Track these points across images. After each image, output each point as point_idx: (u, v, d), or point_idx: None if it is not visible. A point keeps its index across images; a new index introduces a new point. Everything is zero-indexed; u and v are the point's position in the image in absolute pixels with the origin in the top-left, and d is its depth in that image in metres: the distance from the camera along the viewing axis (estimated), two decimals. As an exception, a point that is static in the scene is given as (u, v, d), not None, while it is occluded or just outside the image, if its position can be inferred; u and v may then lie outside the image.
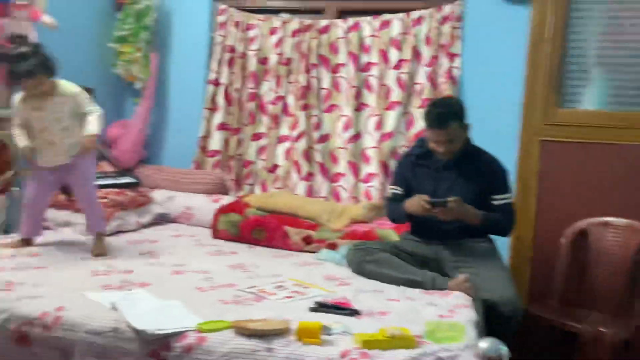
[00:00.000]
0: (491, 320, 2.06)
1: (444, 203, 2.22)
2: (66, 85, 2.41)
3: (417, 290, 2.13)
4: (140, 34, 3.44)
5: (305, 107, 3.37)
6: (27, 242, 2.47)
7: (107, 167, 3.29)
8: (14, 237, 2.52)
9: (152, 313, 1.63)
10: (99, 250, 2.44)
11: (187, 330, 1.52)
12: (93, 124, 2.40)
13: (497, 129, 3.03)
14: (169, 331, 1.51)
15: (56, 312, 1.62)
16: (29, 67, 2.21)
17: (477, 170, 2.36)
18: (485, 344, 1.58)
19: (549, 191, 3.00)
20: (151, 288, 1.93)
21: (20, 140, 2.36)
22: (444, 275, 2.24)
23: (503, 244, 2.75)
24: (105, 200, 2.88)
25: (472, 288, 2.07)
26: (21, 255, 2.28)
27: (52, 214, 2.86)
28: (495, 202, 2.35)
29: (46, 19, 2.77)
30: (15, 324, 1.61)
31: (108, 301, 1.70)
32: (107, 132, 3.48)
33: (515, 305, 2.11)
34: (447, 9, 3.15)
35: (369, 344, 1.47)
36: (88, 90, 3.37)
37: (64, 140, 2.36)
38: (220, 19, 3.55)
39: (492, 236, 2.45)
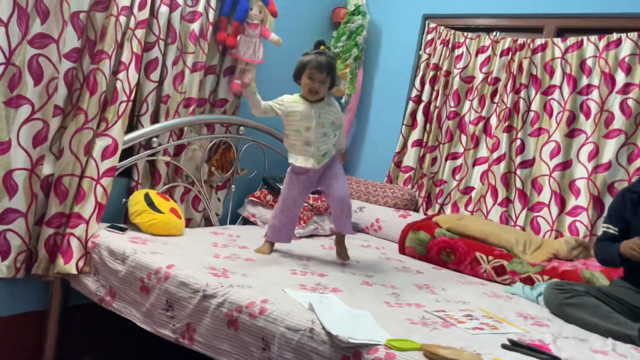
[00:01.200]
0: None
1: None
2: (333, 98, 2.52)
3: (628, 346, 1.87)
4: (350, 51, 3.63)
5: (509, 129, 3.21)
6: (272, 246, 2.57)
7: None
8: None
9: (344, 320, 1.70)
10: (344, 257, 2.56)
11: (377, 344, 1.55)
12: (342, 141, 2.60)
13: None
14: (361, 341, 1.55)
15: (262, 303, 1.78)
16: (325, 61, 2.34)
17: None
18: None
19: None
20: (342, 295, 2.01)
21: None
22: (665, 334, 1.93)
23: None
24: (305, 205, 3.09)
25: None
26: (233, 246, 2.56)
27: (259, 211, 3.17)
28: None
29: (274, 37, 3.08)
30: (228, 309, 1.82)
31: (305, 301, 1.81)
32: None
33: None
34: (694, 27, 2.73)
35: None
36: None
37: (319, 146, 2.40)
38: (429, 37, 3.58)
39: None
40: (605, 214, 2.60)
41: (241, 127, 3.15)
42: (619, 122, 2.88)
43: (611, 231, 2.25)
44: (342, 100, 3.77)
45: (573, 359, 1.65)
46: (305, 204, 3.11)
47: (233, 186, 3.18)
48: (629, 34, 2.90)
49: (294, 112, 2.39)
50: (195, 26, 2.81)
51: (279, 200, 2.59)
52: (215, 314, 1.84)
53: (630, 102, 2.86)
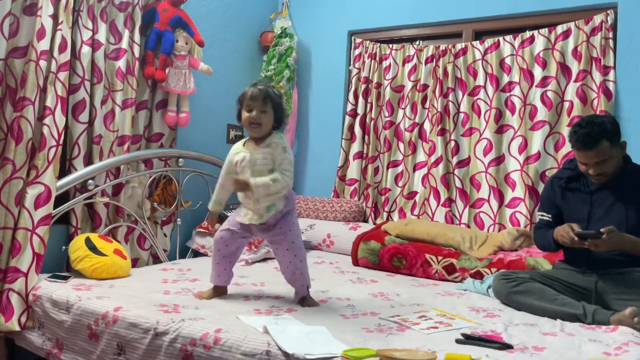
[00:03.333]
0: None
1: (596, 235, 2.02)
2: (277, 137, 2.16)
3: (576, 325, 1.95)
4: (282, 73, 3.68)
5: (442, 132, 3.32)
6: (221, 290, 2.28)
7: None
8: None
9: (300, 338, 1.69)
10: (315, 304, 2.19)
11: (333, 357, 1.55)
12: (283, 183, 2.12)
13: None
14: (317, 356, 1.55)
15: (215, 333, 1.75)
16: (259, 89, 2.11)
17: (638, 192, 2.12)
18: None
19: None
20: (298, 314, 2.00)
21: (216, 197, 2.26)
22: (606, 308, 2.03)
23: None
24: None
25: (642, 323, 1.85)
26: (183, 280, 2.51)
27: (208, 241, 3.13)
28: None
29: (203, 66, 3.09)
30: (182, 343, 1.78)
31: (260, 325, 1.80)
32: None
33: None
34: (596, 19, 2.93)
35: (524, 381, 1.38)
36: (239, 128, 3.69)
37: (259, 198, 2.10)
38: (356, 52, 3.68)
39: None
40: (540, 202, 2.72)
41: (180, 159, 3.12)
42: (542, 114, 3.04)
43: (545, 218, 2.36)
44: (280, 122, 3.79)
45: (524, 344, 1.70)
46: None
47: (179, 219, 3.13)
48: (540, 30, 3.08)
49: (235, 162, 2.17)
50: (120, 63, 2.78)
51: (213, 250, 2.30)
52: (169, 351, 1.80)
53: (549, 94, 3.02)
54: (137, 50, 2.87)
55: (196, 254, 3.21)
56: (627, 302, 2.00)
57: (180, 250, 3.18)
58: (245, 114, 2.15)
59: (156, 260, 3.03)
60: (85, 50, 2.62)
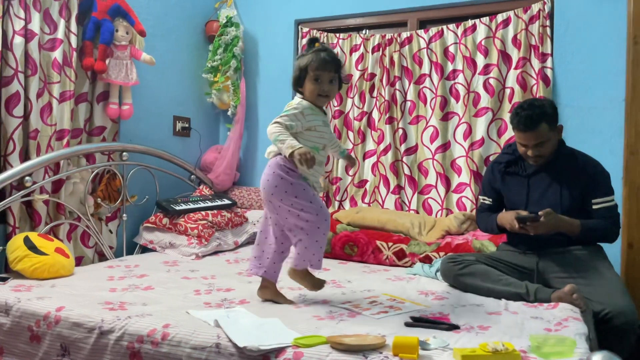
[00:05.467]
0: (604, 334, 1.90)
1: (535, 218, 2.10)
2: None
3: (520, 303, 2.02)
4: (229, 62, 3.62)
5: (390, 120, 3.36)
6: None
7: (204, 190, 3.46)
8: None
9: (252, 330, 1.68)
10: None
11: (285, 346, 1.55)
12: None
13: (600, 128, 2.85)
14: (269, 347, 1.54)
15: (163, 329, 1.71)
16: (329, 56, 1.93)
17: (572, 174, 2.22)
18: (598, 358, 1.46)
19: (664, 192, 2.75)
20: (250, 306, 1.99)
21: (289, 138, 1.86)
22: (547, 286, 2.11)
23: (614, 252, 2.55)
24: (204, 222, 3.03)
25: (580, 299, 1.93)
26: (130, 277, 2.45)
27: (156, 236, 3.06)
28: (595, 207, 2.19)
29: (145, 57, 2.99)
30: (128, 341, 1.73)
31: (210, 318, 1.77)
32: (203, 157, 3.68)
33: (631, 316, 1.94)
34: (534, 7, 3.02)
35: (470, 359, 1.41)
36: (185, 119, 3.62)
37: (324, 169, 2.01)
38: (303, 41, 3.66)
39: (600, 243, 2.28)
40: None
41: (124, 153, 3.02)
42: (485, 100, 3.12)
43: (487, 202, 2.44)
44: (229, 113, 3.75)
45: (470, 324, 1.75)
46: (205, 221, 3.05)
47: (124, 215, 3.04)
48: (482, 19, 3.16)
49: (314, 126, 1.96)
50: (57, 54, 2.66)
51: (314, 212, 1.92)
52: (116, 349, 1.74)
53: (492, 81, 3.11)
54: (74, 40, 2.75)
55: (144, 249, 3.13)
56: (566, 279, 2.10)
57: (128, 247, 3.09)
58: (311, 85, 1.92)
59: (102, 257, 2.94)
60: (18, 40, 2.49)
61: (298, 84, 1.99)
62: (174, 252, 2.99)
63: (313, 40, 2.00)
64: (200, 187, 3.50)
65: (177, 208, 3.10)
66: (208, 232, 3.01)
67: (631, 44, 2.81)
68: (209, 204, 3.25)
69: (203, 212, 3.13)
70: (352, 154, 3.50)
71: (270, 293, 2.07)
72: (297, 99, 2.01)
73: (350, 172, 3.41)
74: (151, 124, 3.35)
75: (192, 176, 3.53)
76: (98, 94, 2.95)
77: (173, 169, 3.39)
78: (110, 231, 3.01)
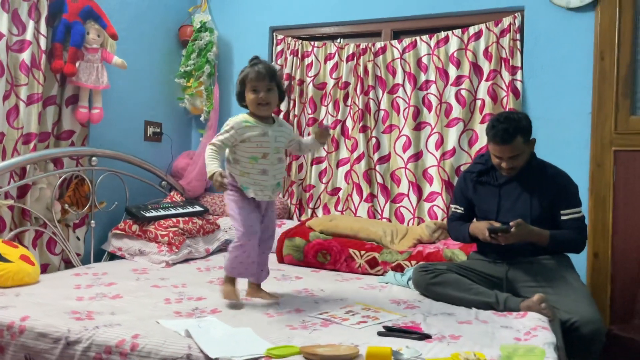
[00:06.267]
0: (572, 343, 1.95)
1: (506, 229, 2.14)
2: (281, 119, 2.30)
3: (490, 312, 2.05)
4: (203, 68, 3.59)
5: (364, 129, 3.38)
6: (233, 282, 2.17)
7: (175, 196, 3.42)
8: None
9: (223, 340, 1.66)
10: (275, 296, 2.24)
11: (257, 357, 1.53)
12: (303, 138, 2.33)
13: (567, 140, 2.93)
14: (241, 358, 1.52)
15: (132, 339, 1.67)
16: (263, 68, 2.08)
17: (541, 185, 2.27)
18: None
19: (626, 203, 2.84)
20: (221, 315, 1.96)
21: (213, 163, 2.05)
22: (517, 295, 2.15)
23: (580, 262, 2.61)
24: (175, 229, 2.99)
25: (549, 308, 1.97)
26: (98, 285, 2.39)
27: (125, 243, 3.00)
28: (564, 218, 2.25)
29: (117, 60, 2.94)
30: (96, 352, 1.68)
31: (181, 328, 1.74)
32: (174, 163, 3.63)
33: (597, 325, 1.99)
34: (505, 21, 3.09)
35: (442, 369, 1.43)
36: (157, 124, 3.57)
37: (276, 174, 2.17)
38: (278, 48, 3.66)
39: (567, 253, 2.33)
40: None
41: (93, 158, 2.96)
42: (456, 111, 3.17)
43: (458, 211, 2.47)
44: (202, 118, 3.71)
45: (441, 333, 1.77)
46: (175, 228, 3.01)
47: (92, 222, 2.97)
48: (454, 31, 3.21)
49: (249, 137, 2.10)
50: (25, 56, 2.60)
51: (238, 227, 2.12)
52: (83, 361, 1.70)
53: (463, 92, 3.16)
54: (43, 42, 2.69)
55: (112, 257, 3.06)
56: (535, 289, 2.14)
57: (95, 254, 3.02)
58: (251, 95, 2.10)
59: (68, 265, 2.86)
60: (-16, 41, 2.42)
61: (241, 99, 2.15)
62: (143, 259, 2.93)
63: (254, 59, 2.17)
64: (172, 193, 3.45)
65: (147, 214, 3.05)
66: (179, 240, 2.97)
67: (598, 59, 2.90)
68: (180, 210, 3.21)
69: (174, 219, 3.08)
70: (325, 163, 3.51)
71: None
72: (236, 116, 2.15)
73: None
74: (122, 128, 3.29)
75: (163, 182, 3.48)
76: (67, 97, 2.88)
77: (143, 175, 3.33)
78: (78, 238, 2.94)
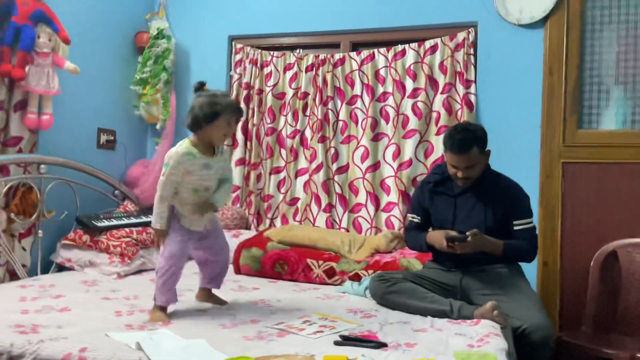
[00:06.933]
0: (523, 349, 1.99)
1: (462, 238, 2.19)
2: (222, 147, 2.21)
3: (444, 320, 2.08)
4: (159, 75, 3.53)
5: (323, 139, 3.40)
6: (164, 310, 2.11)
7: (129, 206, 3.33)
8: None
9: (176, 352, 1.62)
10: (222, 302, 2.28)
11: (211, 368, 1.50)
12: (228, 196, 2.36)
13: (518, 152, 3.02)
14: (193, 370, 1.49)
15: (80, 353, 1.61)
16: (238, 103, 2.11)
17: (496, 196, 2.33)
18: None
19: (574, 214, 2.94)
20: (174, 327, 1.92)
21: (162, 219, 2.09)
22: (471, 303, 2.19)
23: (530, 270, 2.69)
24: (127, 239, 2.90)
25: (501, 316, 2.02)
26: (45, 297, 2.29)
27: (75, 254, 2.90)
28: (516, 228, 2.31)
29: (69, 65, 2.86)
30: (41, 367, 1.61)
31: (132, 341, 1.69)
32: (129, 172, 3.54)
33: (547, 331, 2.05)
34: (460, 36, 3.18)
35: (397, 377, 1.43)
36: (111, 132, 3.48)
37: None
38: (237, 57, 3.64)
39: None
40: (412, 205, 2.88)
41: (42, 165, 2.85)
42: (413, 123, 3.23)
43: (415, 220, 2.50)
44: (157, 127, 3.64)
45: (397, 342, 1.78)
46: (128, 238, 2.92)
47: (40, 231, 2.86)
48: (411, 44, 3.28)
49: (192, 171, 2.06)
50: (-30, 58, 2.49)
51: (163, 259, 2.10)
52: (26, 377, 1.62)
53: (420, 105, 3.22)
54: (-10, 44, 2.59)
55: (61, 268, 2.95)
56: (487, 296, 2.18)
57: (43, 265, 2.90)
58: (224, 127, 2.05)
59: (13, 277, 2.73)
60: None
61: (199, 126, 2.04)
62: (93, 271, 2.83)
63: (202, 84, 2.16)
64: (125, 202, 3.36)
65: (99, 224, 2.95)
66: (132, 250, 2.88)
67: (547, 74, 3.01)
68: (134, 220, 3.12)
69: (127, 229, 2.99)
70: (284, 173, 3.50)
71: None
72: (175, 148, 2.10)
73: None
74: (73, 135, 3.19)
75: (116, 191, 3.39)
76: (15, 102, 2.77)
77: (95, 184, 3.23)
78: (24, 248, 2.82)
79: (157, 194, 2.09)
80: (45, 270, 2.91)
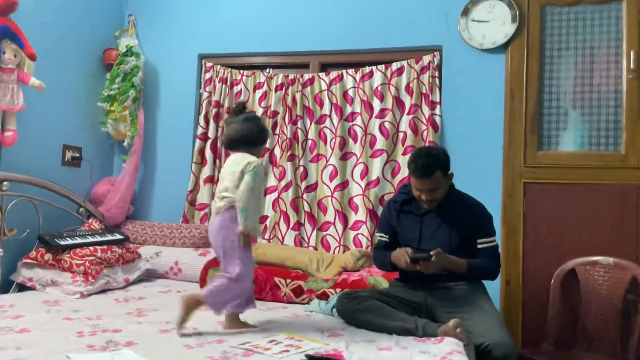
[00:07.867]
0: (485, 366, 2.03)
1: (426, 258, 2.23)
2: None
3: (410, 338, 2.10)
4: (128, 92, 3.51)
5: (292, 158, 3.42)
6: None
7: (94, 224, 3.27)
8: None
9: (138, 373, 1.60)
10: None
11: (174, 389, 1.49)
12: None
13: (481, 172, 3.10)
14: (155, 391, 1.47)
15: (39, 375, 1.58)
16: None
17: (460, 215, 2.38)
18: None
19: (535, 232, 3.03)
20: (138, 347, 1.89)
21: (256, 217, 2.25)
22: (435, 321, 2.22)
23: (494, 288, 2.75)
24: (91, 258, 2.85)
25: (463, 333, 2.05)
26: (4, 318, 2.23)
27: (36, 273, 2.83)
28: (480, 247, 2.36)
29: (35, 82, 2.83)
30: (-3, 390, 1.57)
31: (93, 362, 1.66)
32: (94, 190, 3.49)
33: (509, 348, 2.08)
34: (425, 59, 3.27)
35: (360, 395, 1.44)
36: (76, 149, 3.44)
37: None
38: (207, 75, 3.65)
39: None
40: (379, 224, 2.92)
41: (4, 183, 2.79)
42: (380, 142, 3.28)
43: (383, 239, 2.54)
44: (125, 144, 3.61)
45: (362, 360, 1.79)
46: (92, 257, 2.87)
47: (0, 250, 2.78)
48: (378, 66, 3.35)
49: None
50: None
51: (241, 268, 2.19)
52: (-19, 401, 1.57)
53: (387, 125, 3.29)
54: (-48, 59, 2.54)
55: (22, 287, 2.87)
56: (451, 314, 2.21)
57: (3, 285, 2.82)
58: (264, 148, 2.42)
59: (-29, 297, 2.65)
60: None
61: (264, 141, 2.34)
62: (56, 290, 2.77)
63: (244, 105, 2.34)
64: (90, 220, 3.30)
65: (62, 243, 2.90)
66: (96, 269, 2.83)
67: (508, 97, 3.12)
68: (98, 238, 3.07)
69: (91, 248, 2.94)
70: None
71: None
72: (253, 158, 2.23)
73: None
74: (37, 152, 3.13)
75: (81, 209, 3.33)
76: (-23, 118, 2.72)
77: (59, 201, 3.18)
78: (-17, 268, 2.74)
79: (252, 198, 2.16)
80: (4, 290, 2.83)
